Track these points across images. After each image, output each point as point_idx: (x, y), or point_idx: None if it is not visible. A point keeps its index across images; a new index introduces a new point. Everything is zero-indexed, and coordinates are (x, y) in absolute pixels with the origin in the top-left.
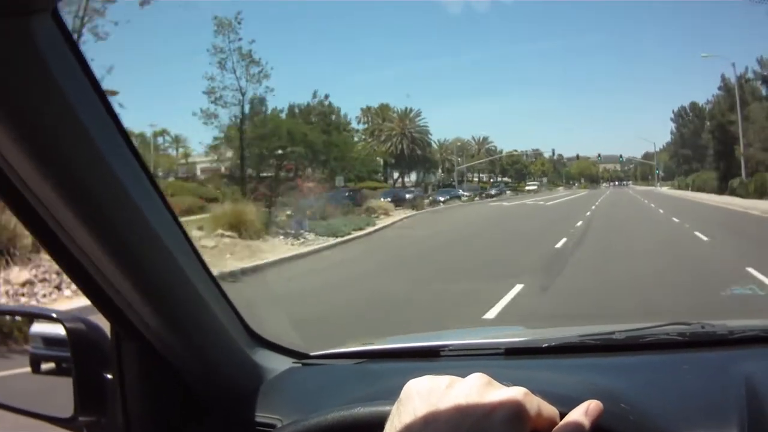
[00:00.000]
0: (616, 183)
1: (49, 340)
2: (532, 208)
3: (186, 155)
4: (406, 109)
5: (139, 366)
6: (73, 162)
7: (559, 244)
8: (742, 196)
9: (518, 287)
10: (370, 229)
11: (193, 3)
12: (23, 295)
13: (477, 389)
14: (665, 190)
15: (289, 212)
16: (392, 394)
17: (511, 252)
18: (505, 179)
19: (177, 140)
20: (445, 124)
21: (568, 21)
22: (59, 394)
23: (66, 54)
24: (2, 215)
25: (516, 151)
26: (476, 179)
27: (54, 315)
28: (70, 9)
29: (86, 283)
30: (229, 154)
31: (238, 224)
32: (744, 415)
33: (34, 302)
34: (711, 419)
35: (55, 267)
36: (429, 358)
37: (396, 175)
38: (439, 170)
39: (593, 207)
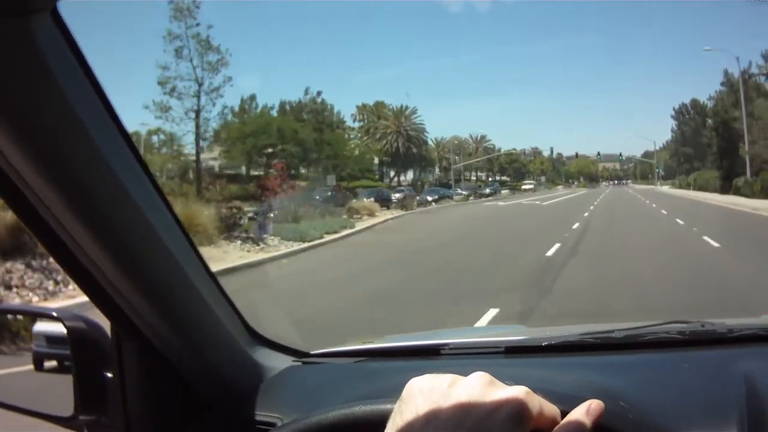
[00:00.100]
0: (616, 182)
1: (51, 339)
2: (527, 208)
3: (179, 154)
4: (401, 106)
5: (140, 365)
6: (73, 162)
7: (550, 252)
8: (747, 196)
9: (491, 313)
10: (346, 232)
11: None
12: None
13: (479, 388)
14: (665, 189)
15: (251, 214)
16: (393, 393)
17: (491, 262)
18: (504, 178)
19: (172, 138)
20: (444, 124)
21: (568, 21)
22: (61, 393)
23: (66, 54)
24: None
25: (515, 149)
26: (474, 178)
27: (54, 314)
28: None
29: (86, 283)
30: (215, 152)
31: (187, 228)
32: (744, 414)
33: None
34: (711, 418)
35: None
36: (429, 357)
37: (392, 173)
38: (437, 169)
39: (591, 207)
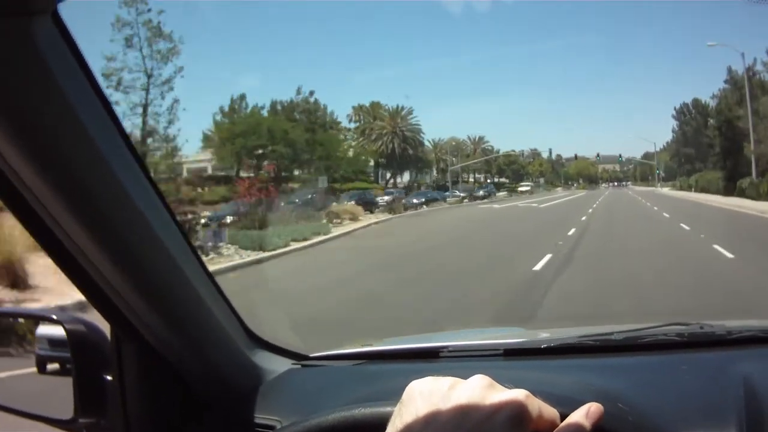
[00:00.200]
0: (615, 183)
1: (54, 342)
2: (523, 211)
3: (172, 155)
4: (397, 107)
5: (139, 367)
6: (73, 162)
7: (538, 266)
8: (752, 198)
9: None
10: (318, 239)
11: None
12: None
13: (479, 391)
14: (666, 190)
15: (204, 220)
16: (392, 395)
17: (467, 279)
18: (502, 180)
19: (167, 139)
20: (443, 125)
21: (568, 21)
22: (62, 395)
23: (66, 54)
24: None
25: (513, 151)
26: (472, 180)
27: (54, 317)
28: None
29: (85, 284)
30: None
31: None
32: (742, 416)
33: None
34: (709, 419)
35: None
36: (428, 359)
37: (388, 175)
38: (434, 170)
39: (590, 210)
